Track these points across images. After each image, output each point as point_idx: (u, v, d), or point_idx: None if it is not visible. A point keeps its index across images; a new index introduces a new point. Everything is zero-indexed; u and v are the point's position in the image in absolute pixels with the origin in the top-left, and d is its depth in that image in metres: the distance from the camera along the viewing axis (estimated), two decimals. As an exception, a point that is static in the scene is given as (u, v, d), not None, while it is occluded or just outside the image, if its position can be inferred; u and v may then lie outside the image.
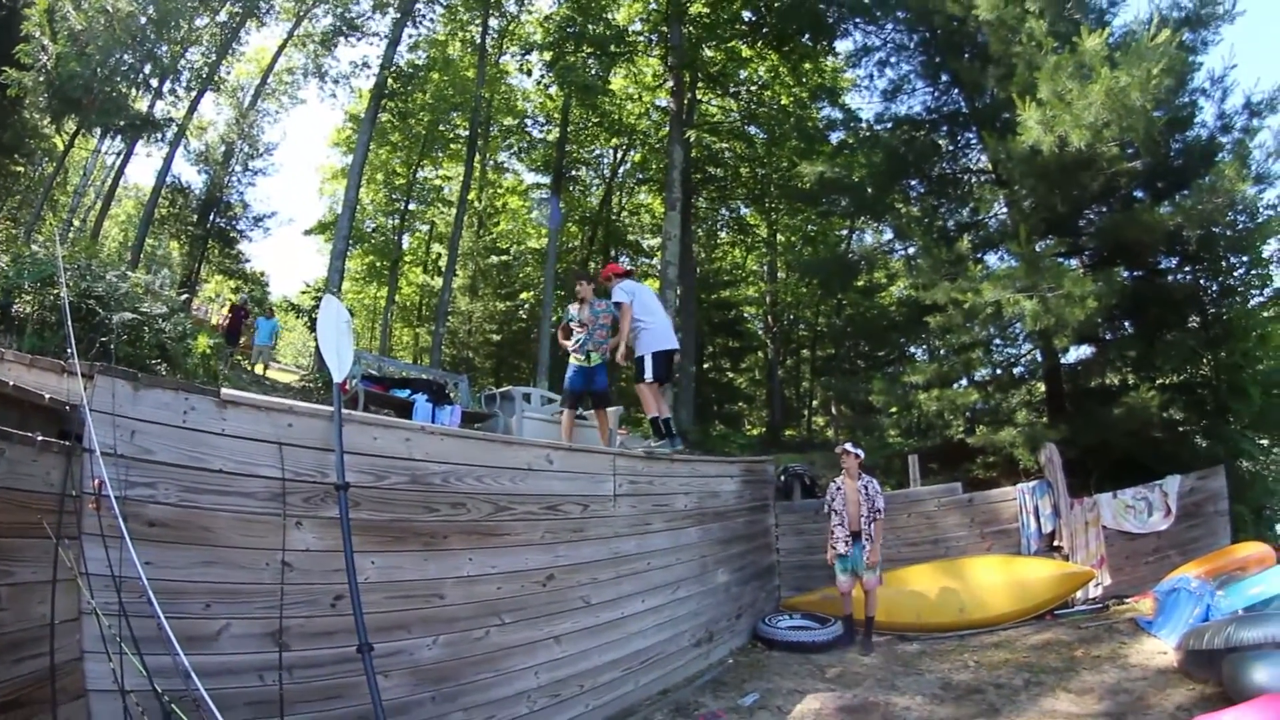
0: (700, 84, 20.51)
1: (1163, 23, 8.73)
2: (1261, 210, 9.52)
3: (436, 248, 31.20)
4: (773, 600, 8.78)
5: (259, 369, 16.25)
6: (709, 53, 19.59)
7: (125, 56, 14.92)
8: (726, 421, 25.14)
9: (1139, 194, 10.17)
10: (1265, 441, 9.95)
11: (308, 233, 29.07)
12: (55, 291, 7.37)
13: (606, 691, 5.34)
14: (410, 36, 21.80)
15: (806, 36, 17.09)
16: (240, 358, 16.67)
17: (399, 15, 20.14)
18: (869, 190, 13.00)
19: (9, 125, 15.99)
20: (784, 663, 6.99)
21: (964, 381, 12.13)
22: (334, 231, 20.08)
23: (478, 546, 4.31)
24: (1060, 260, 9.78)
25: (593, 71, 19.17)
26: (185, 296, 15.80)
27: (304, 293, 26.32)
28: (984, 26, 10.05)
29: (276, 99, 26.56)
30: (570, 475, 5.21)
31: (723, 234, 28.70)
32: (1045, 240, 10.24)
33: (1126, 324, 11.06)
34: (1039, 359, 11.71)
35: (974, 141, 12.28)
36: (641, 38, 20.08)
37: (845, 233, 23.61)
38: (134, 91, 16.00)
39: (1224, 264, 9.87)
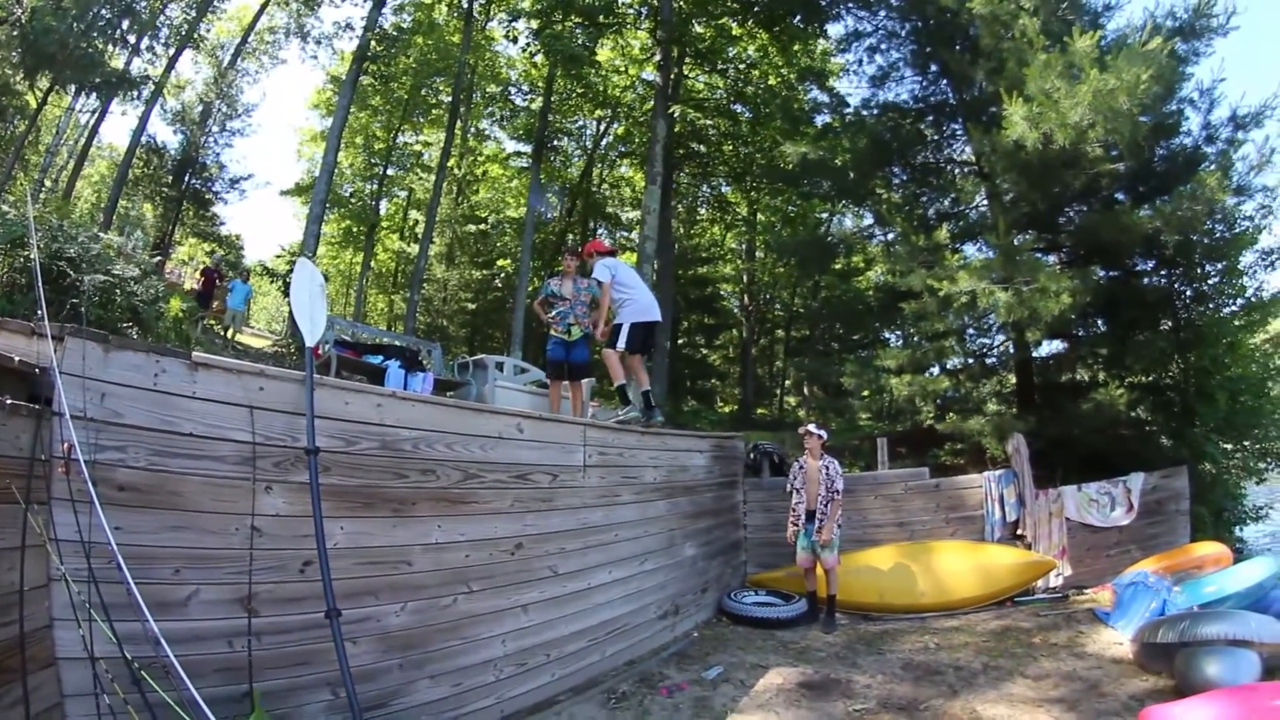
0: (688, 59, 20.35)
1: (1156, 30, 8.80)
2: (1240, 221, 9.63)
3: (414, 214, 30.97)
4: (739, 576, 8.88)
5: (231, 334, 15.98)
6: (699, 28, 19.42)
7: (102, 11, 14.57)
8: (699, 398, 25.26)
9: (1120, 196, 10.24)
10: (1229, 446, 10.16)
11: (284, 194, 28.75)
12: (25, 253, 7.22)
13: (573, 661, 5.38)
14: (396, -2, 21.43)
15: (798, 18, 16.96)
16: (212, 322, 16.39)
17: (385, -24, 19.78)
18: (851, 175, 13.01)
19: (-22, 81, 15.50)
20: (748, 637, 7.08)
21: (936, 369, 12.27)
22: (311, 195, 19.81)
23: (446, 514, 4.31)
24: (1038, 255, 9.87)
25: (580, 41, 18.95)
26: (158, 259, 15.45)
27: (279, 257, 26.01)
28: (976, 19, 10.05)
29: (257, 59, 26.14)
30: (540, 444, 5.21)
31: (703, 211, 28.65)
32: (1024, 234, 10.34)
33: (1099, 322, 11.21)
34: (1011, 351, 11.84)
35: (959, 133, 12.30)
36: (631, 10, 19.83)
37: (825, 215, 23.64)
38: (110, 48, 15.67)
39: (1199, 271, 9.99)
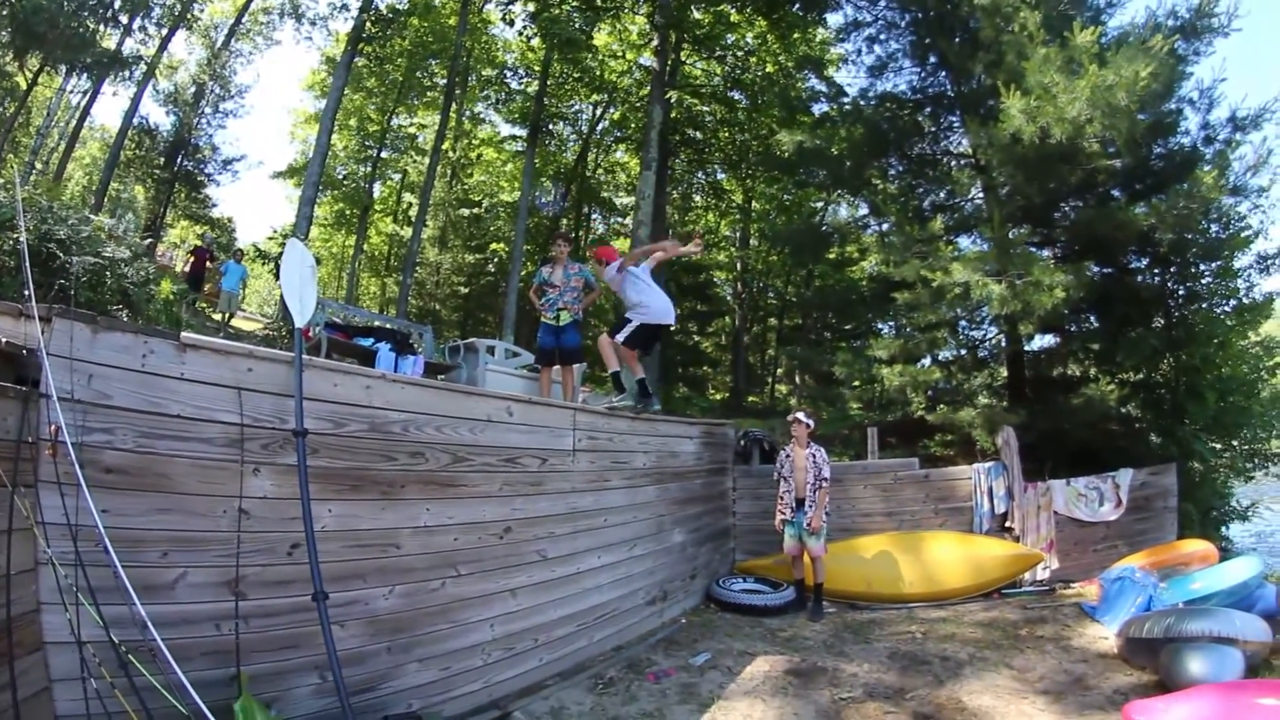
0: (685, 45, 20.26)
1: (1156, 28, 8.81)
2: (1236, 223, 9.68)
3: (408, 197, 30.77)
4: (727, 563, 8.91)
5: (225, 317, 15.65)
6: (697, 14, 19.33)
7: (94, -11, 14.35)
8: (691, 384, 25.19)
9: (1116, 192, 10.27)
10: (1218, 445, 10.23)
11: (277, 175, 28.54)
12: (14, 235, 7.15)
13: (561, 646, 5.40)
14: (392, -22, 21.18)
15: (798, 6, 16.86)
16: (204, 305, 16.20)
17: (381, -43, 19.57)
18: (847, 164, 12.99)
19: (-32, 62, 15.31)
20: (736, 624, 7.12)
21: (928, 360, 12.31)
22: (304, 177, 19.62)
23: (435, 497, 4.31)
24: (1032, 249, 9.89)
25: (577, 25, 18.80)
26: (149, 241, 15.31)
27: (271, 239, 25.83)
28: (977, 11, 10.04)
29: (251, 39, 25.89)
30: (530, 428, 5.20)
31: (697, 198, 28.57)
32: (1019, 228, 10.36)
33: (1092, 318, 11.26)
34: (1003, 344, 11.88)
35: (956, 125, 12.30)
36: (630, -6, 19.74)
37: (820, 205, 23.59)
38: (102, 27, 15.47)
39: (1193, 270, 10.03)
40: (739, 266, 28.41)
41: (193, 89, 24.44)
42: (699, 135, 23.54)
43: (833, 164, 13.44)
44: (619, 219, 28.61)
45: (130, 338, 3.09)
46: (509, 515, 4.90)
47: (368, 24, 19.18)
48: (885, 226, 12.13)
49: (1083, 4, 10.32)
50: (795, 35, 19.81)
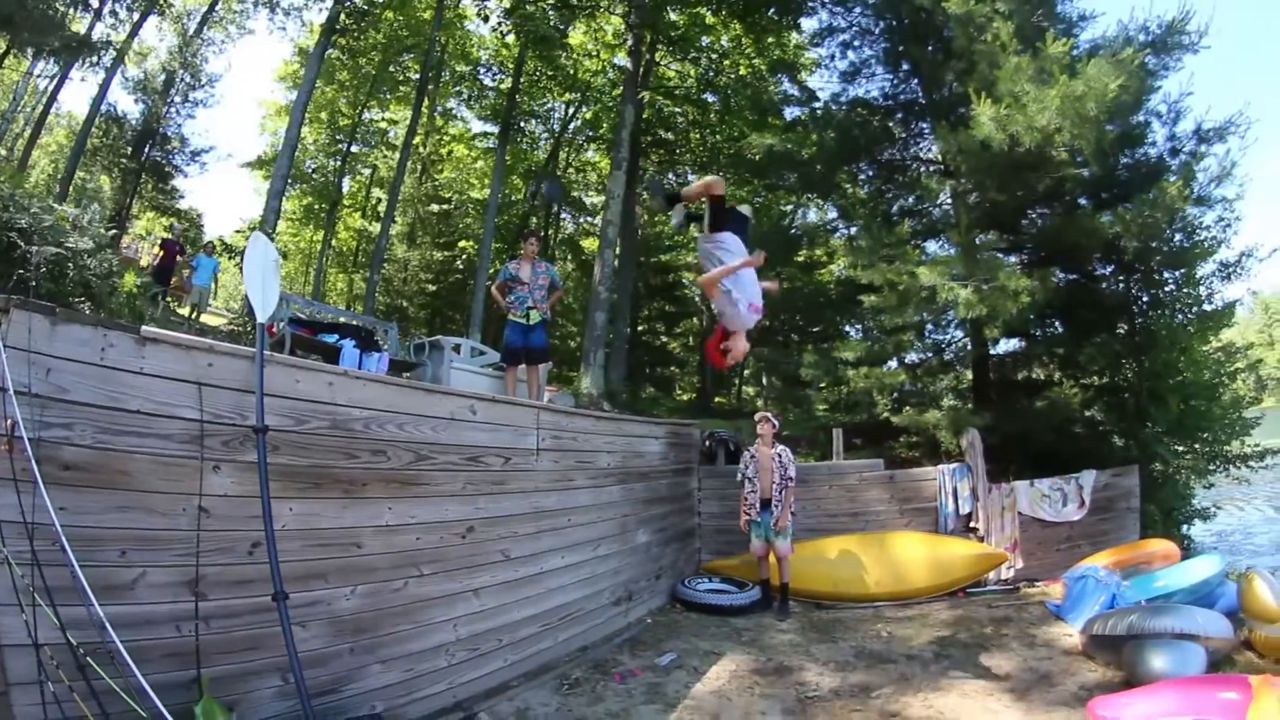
0: (660, 46, 20.22)
1: (1128, 42, 8.98)
2: (1200, 231, 9.85)
3: (377, 192, 30.59)
4: (693, 563, 8.94)
5: (196, 314, 15.10)
6: (673, 15, 19.30)
7: (64, -29, 14.00)
8: (658, 385, 25.29)
9: (1083, 201, 10.44)
10: (1180, 448, 10.45)
11: (246, 165, 28.14)
12: (-25, 224, 6.99)
13: (525, 646, 5.38)
14: (369, -30, 20.98)
15: (773, 10, 16.95)
16: (172, 300, 15.72)
17: (357, -52, 19.34)
18: (818, 168, 13.10)
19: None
20: (701, 624, 7.15)
21: (894, 363, 12.46)
22: (273, 169, 19.37)
23: (397, 495, 4.26)
24: (999, 255, 10.04)
25: (552, 23, 18.75)
26: (114, 233, 14.90)
27: (239, 232, 25.49)
28: (951, 20, 10.12)
29: (224, 28, 25.45)
30: (493, 427, 5.16)
31: (668, 199, 28.62)
32: (986, 234, 10.51)
33: (1057, 323, 11.42)
34: (969, 347, 12.04)
35: (926, 132, 12.44)
36: (606, -7, 19.70)
37: (790, 208, 23.75)
38: (72, 10, 15.09)
39: (1157, 277, 10.21)
40: (708, 268, 28.45)
41: (163, 77, 23.98)
42: (670, 136, 23.57)
43: (803, 168, 13.55)
44: (589, 218, 28.61)
45: (90, 330, 3.01)
46: (472, 514, 4.86)
47: (342, 15, 18.98)
48: (854, 230, 12.25)
49: (1056, 16, 10.48)
50: (770, 39, 19.86)
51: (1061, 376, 11.27)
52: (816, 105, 14.57)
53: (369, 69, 24.93)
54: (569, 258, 29.79)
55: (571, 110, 26.30)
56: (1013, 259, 10.76)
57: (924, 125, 12.56)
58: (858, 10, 13.41)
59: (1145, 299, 10.45)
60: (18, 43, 14.57)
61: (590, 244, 27.69)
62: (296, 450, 3.71)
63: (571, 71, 23.29)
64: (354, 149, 28.94)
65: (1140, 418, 9.99)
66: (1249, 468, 10.77)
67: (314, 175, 28.64)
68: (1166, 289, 10.30)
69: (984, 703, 4.89)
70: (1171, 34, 9.55)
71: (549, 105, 26.64)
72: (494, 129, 25.91)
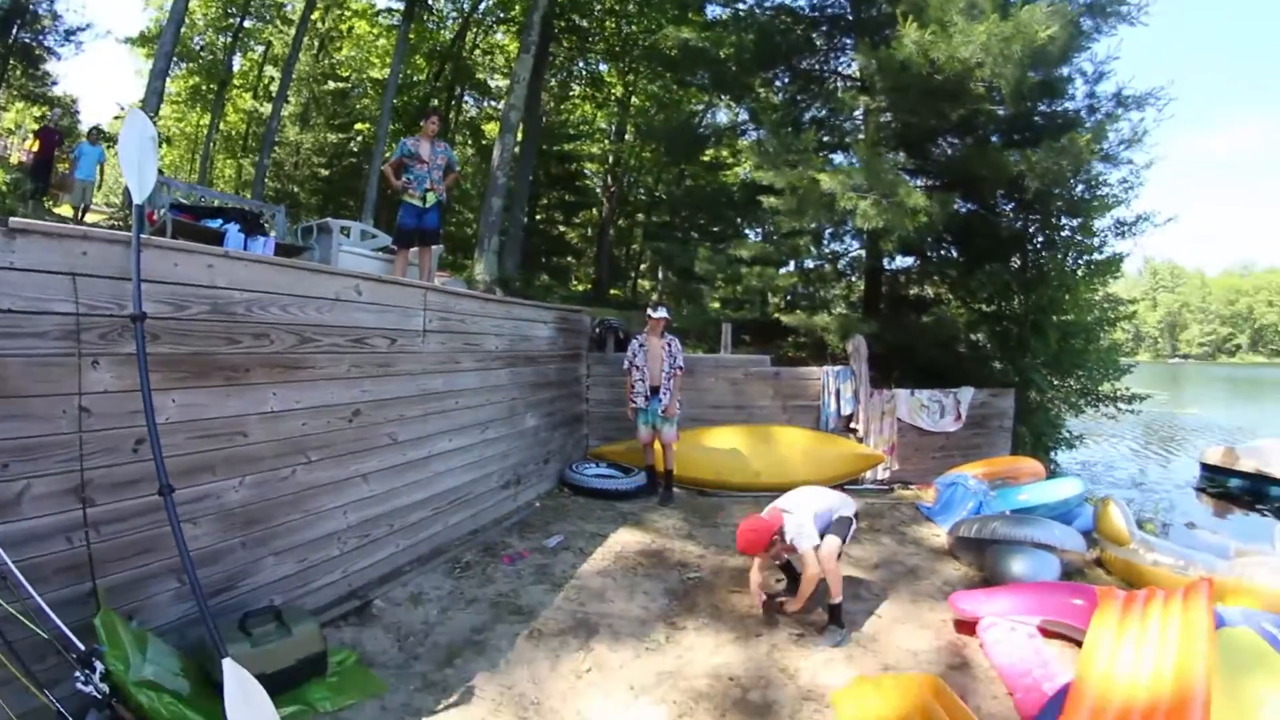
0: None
1: (1068, -1, 9.01)
2: (1104, 187, 10.28)
3: (270, 71, 28.71)
4: (581, 448, 9.16)
5: (81, 212, 13.42)
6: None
7: None
8: (553, 274, 25.17)
9: (994, 138, 10.70)
10: (1055, 381, 11.12)
11: (126, 41, 25.76)
12: None
13: (416, 531, 5.45)
14: None
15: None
16: (48, 201, 14.13)
17: None
18: (733, 69, 12.97)
19: None
20: (588, 508, 7.40)
21: (791, 266, 12.76)
22: (156, 47, 17.71)
23: (281, 380, 4.15)
24: (903, 175, 10.21)
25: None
26: None
27: (117, 118, 23.38)
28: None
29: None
30: (379, 308, 5.04)
31: (576, 88, 27.98)
32: (896, 155, 10.67)
33: (953, 249, 11.84)
34: (864, 259, 12.40)
35: (849, 48, 12.36)
36: None
37: (700, 107, 23.52)
38: None
39: (1054, 221, 10.64)
40: (611, 160, 28.11)
41: None
42: (585, 23, 22.84)
43: (718, 67, 13.40)
44: (492, 102, 27.65)
45: None
46: (358, 398, 4.79)
47: None
48: (762, 134, 12.27)
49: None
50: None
51: (951, 298, 11.78)
52: (740, 6, 14.27)
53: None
54: (469, 142, 28.91)
55: (483, -12, 25.01)
56: (918, 182, 10.98)
57: (847, 41, 12.47)
58: (793, -88, 13.05)
59: (1040, 239, 10.89)
60: None
61: (492, 129, 26.86)
62: (177, 338, 3.54)
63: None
64: (247, 24, 26.84)
65: (1021, 347, 10.55)
66: (1117, 408, 11.58)
67: (202, 53, 26.54)
68: (1062, 234, 10.75)
69: (854, 589, 5.22)
70: (1112, 1, 9.71)
71: (460, -18, 25.25)
72: (399, 5, 24.39)
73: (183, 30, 18.89)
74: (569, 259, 28.02)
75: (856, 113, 11.98)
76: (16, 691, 2.55)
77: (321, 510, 4.47)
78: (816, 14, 12.90)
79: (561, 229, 27.85)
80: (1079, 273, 10.81)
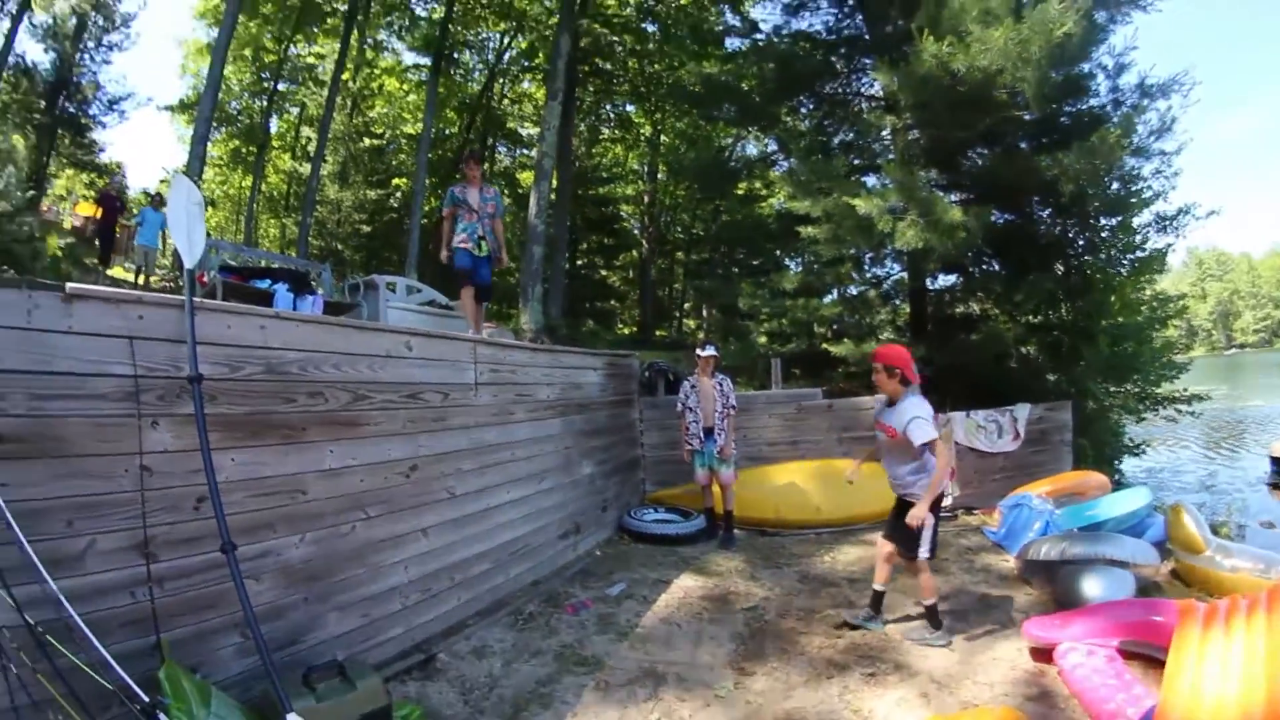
0: (598, -28, 19.74)
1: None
2: (1138, 181, 10.09)
3: (306, 131, 29.56)
4: (638, 493, 9.07)
5: (144, 278, 13.40)
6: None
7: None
8: (598, 319, 25.36)
9: (1023, 145, 10.57)
10: (1111, 387, 10.83)
11: (168, 109, 26.90)
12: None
13: (478, 584, 5.43)
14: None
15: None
16: (124, 270, 14.15)
17: None
18: (757, 100, 13.07)
19: None
20: (649, 554, 7.28)
21: (833, 294, 12.66)
22: (196, 113, 18.40)
23: (338, 438, 4.19)
24: (937, 192, 10.12)
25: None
26: (32, 195, 13.85)
27: (164, 182, 24.29)
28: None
29: (136, -39, 23.68)
30: (430, 363, 5.09)
31: (605, 130, 28.39)
32: (927, 172, 10.60)
33: (994, 262, 11.66)
34: (906, 280, 12.24)
35: (869, 67, 12.36)
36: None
37: (729, 141, 23.64)
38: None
39: (1093, 223, 10.43)
40: (646, 200, 28.35)
41: (73, 21, 22.22)
42: (608, 66, 23.24)
43: (743, 99, 13.50)
44: (524, 150, 28.13)
45: (13, 293, 2.84)
46: (415, 453, 4.82)
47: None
48: (793, 163, 12.28)
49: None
50: (711, -34, 19.50)
51: (997, 313, 11.52)
52: (758, 37, 14.45)
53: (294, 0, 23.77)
54: (505, 191, 29.24)
55: (507, 40, 25.68)
56: (952, 197, 10.87)
57: (866, 61, 12.50)
58: (802, -58, 13.20)
59: (1081, 243, 10.70)
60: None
61: (526, 177, 27.29)
62: (234, 398, 3.61)
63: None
64: (280, 87, 27.81)
65: (1073, 356, 10.28)
66: (1177, 410, 11.23)
67: (240, 117, 27.53)
68: (1102, 235, 10.54)
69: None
70: (1122, -10, 9.58)
71: (484, 35, 25.92)
72: (427, 61, 25.13)
73: (220, 96, 19.51)
74: (612, 302, 28.26)
75: (883, 132, 11.93)
76: (82, 742, 2.55)
77: (382, 565, 4.47)
78: (834, 36, 13.01)
79: (603, 273, 28.12)
80: (1123, 273, 10.59)
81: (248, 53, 26.13)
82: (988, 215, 9.57)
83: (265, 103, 27.69)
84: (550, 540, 6.65)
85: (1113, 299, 10.43)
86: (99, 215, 14.96)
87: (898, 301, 12.92)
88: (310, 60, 28.24)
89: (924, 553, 4.71)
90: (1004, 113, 9.65)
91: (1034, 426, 9.01)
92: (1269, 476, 12.55)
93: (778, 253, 14.71)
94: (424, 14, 24.59)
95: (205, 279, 7.97)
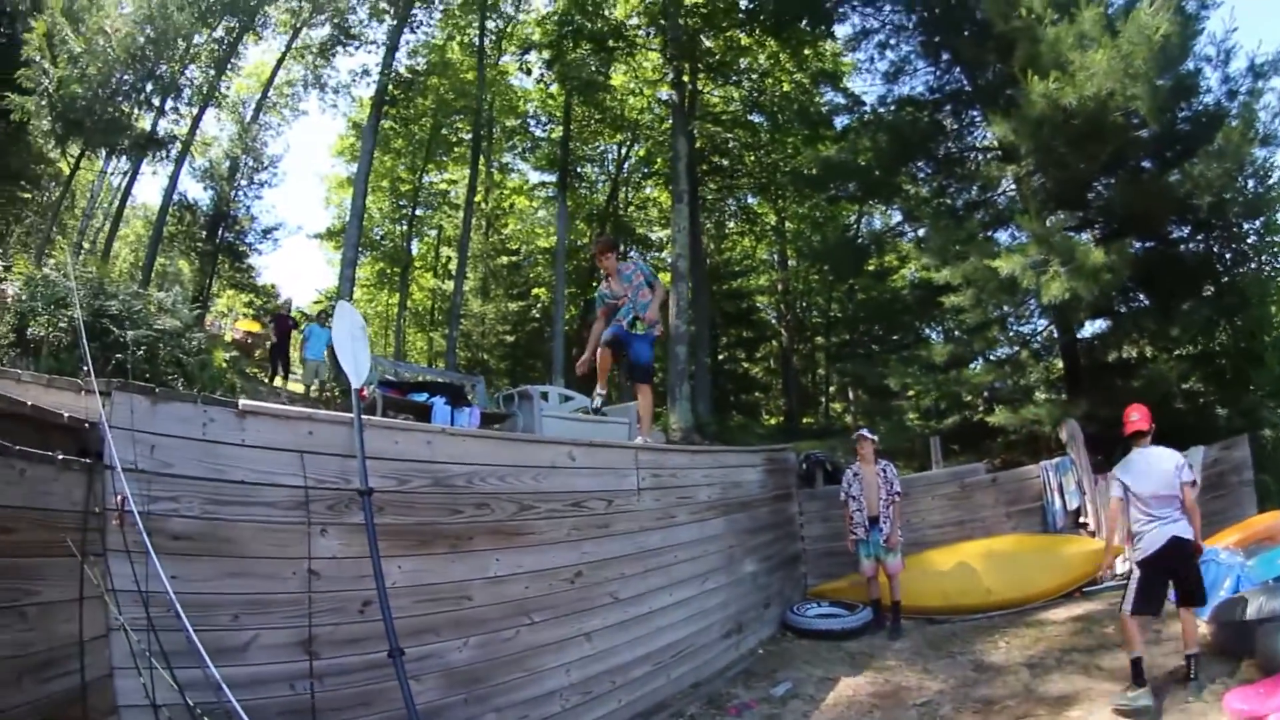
0: (701, 74, 20.43)
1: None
2: (1273, 172, 9.49)
3: (446, 251, 31.40)
4: (800, 588, 8.79)
5: (311, 390, 14.34)
6: (708, 43, 19.52)
7: (126, 76, 14.84)
8: (744, 411, 25.24)
9: (1147, 164, 10.13)
10: None
11: (316, 237, 29.40)
12: (69, 313, 7.41)
13: (638, 686, 5.34)
14: (408, 42, 21.71)
15: (804, 22, 16.93)
16: (295, 385, 15.34)
17: (396, 22, 20.09)
18: (875, 173, 13.02)
19: (14, 151, 15.85)
20: (814, 651, 6.98)
21: (980, 361, 12.12)
22: (343, 239, 20.11)
23: (504, 546, 4.29)
24: (1071, 235, 9.72)
25: (593, 68, 19.16)
26: (198, 312, 15.47)
27: (317, 302, 26.45)
28: (982, 2, 9.99)
29: (278, 111, 26.45)
30: (593, 471, 5.19)
31: (731, 224, 28.85)
32: (1056, 215, 10.17)
33: (1141, 296, 11.03)
34: (1055, 335, 11.70)
35: (978, 119, 12.29)
36: (640, 31, 20.00)
37: (854, 218, 23.52)
38: (136, 110, 15.99)
39: (1236, 230, 9.83)
40: (780, 288, 28.42)
41: (227, 163, 24.96)
42: (725, 162, 23.78)
43: (861, 175, 13.47)
44: (656, 254, 28.87)
45: (190, 407, 3.14)
46: (579, 559, 4.88)
47: (389, 87, 19.71)
48: (921, 231, 12.02)
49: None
50: (807, 51, 19.83)
51: (1154, 352, 10.81)
52: (864, 110, 14.55)
53: (422, 135, 25.76)
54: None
55: (625, 150, 26.73)
56: (1085, 236, 10.43)
57: (975, 113, 12.42)
58: (888, 8, 13.43)
59: (1228, 256, 10.12)
60: (90, 145, 15.52)
61: (663, 280, 27.79)
62: (401, 509, 3.77)
63: (619, 112, 23.68)
64: (418, 212, 29.81)
65: (1241, 383, 9.65)
66: None
67: (383, 241, 29.60)
68: (1248, 241, 9.94)
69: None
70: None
71: (602, 148, 27.12)
72: (551, 178, 26.45)
73: (363, 223, 21.21)
74: (756, 394, 28.25)
75: (1005, 183, 11.60)
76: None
77: (544, 669, 4.48)
78: (937, 95, 12.94)
79: (745, 365, 28.23)
80: (1278, 279, 9.78)
81: (385, 183, 28.26)
82: (1127, 249, 9.12)
83: (406, 227, 29.70)
84: (713, 641, 6.51)
85: (1273, 310, 9.56)
86: (274, 333, 16.23)
87: (1048, 359, 12.25)
88: (443, 186, 30.21)
89: (1124, 606, 4.59)
90: (1124, 136, 9.26)
91: (1210, 470, 8.23)
92: None
93: (917, 324, 14.30)
94: (543, 135, 26.06)
95: (366, 393, 8.34)
